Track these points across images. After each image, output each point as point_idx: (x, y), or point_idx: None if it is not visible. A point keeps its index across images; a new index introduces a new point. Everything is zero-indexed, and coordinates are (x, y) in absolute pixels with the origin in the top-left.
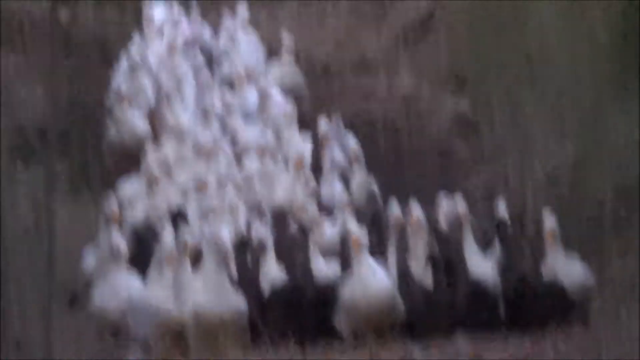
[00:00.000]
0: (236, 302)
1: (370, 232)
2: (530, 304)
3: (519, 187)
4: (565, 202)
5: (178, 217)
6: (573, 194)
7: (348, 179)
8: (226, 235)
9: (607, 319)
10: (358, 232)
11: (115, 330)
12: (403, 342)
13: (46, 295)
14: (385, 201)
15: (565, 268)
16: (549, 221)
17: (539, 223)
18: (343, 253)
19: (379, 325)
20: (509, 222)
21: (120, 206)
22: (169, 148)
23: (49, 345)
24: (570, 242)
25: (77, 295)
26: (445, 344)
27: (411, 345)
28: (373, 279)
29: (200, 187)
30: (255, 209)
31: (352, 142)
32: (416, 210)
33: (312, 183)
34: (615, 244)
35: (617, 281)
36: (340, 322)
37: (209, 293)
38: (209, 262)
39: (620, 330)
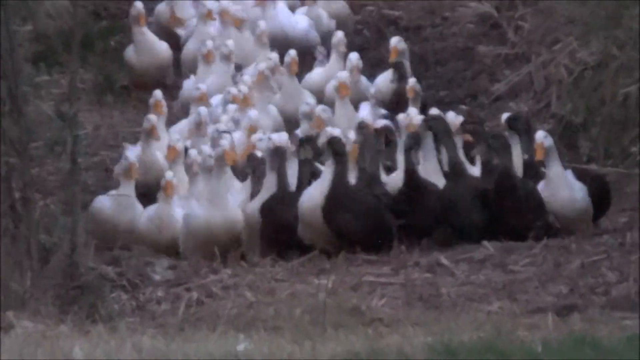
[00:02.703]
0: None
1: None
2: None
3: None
4: (589, 101)
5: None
6: (597, 93)
7: None
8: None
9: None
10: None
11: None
12: (430, 249)
13: (70, 202)
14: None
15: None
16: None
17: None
18: None
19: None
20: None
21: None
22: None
23: (74, 251)
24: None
25: None
26: (472, 250)
27: (438, 252)
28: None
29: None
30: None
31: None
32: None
33: None
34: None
35: None
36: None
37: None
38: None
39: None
